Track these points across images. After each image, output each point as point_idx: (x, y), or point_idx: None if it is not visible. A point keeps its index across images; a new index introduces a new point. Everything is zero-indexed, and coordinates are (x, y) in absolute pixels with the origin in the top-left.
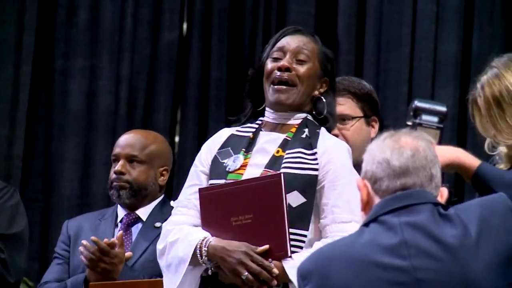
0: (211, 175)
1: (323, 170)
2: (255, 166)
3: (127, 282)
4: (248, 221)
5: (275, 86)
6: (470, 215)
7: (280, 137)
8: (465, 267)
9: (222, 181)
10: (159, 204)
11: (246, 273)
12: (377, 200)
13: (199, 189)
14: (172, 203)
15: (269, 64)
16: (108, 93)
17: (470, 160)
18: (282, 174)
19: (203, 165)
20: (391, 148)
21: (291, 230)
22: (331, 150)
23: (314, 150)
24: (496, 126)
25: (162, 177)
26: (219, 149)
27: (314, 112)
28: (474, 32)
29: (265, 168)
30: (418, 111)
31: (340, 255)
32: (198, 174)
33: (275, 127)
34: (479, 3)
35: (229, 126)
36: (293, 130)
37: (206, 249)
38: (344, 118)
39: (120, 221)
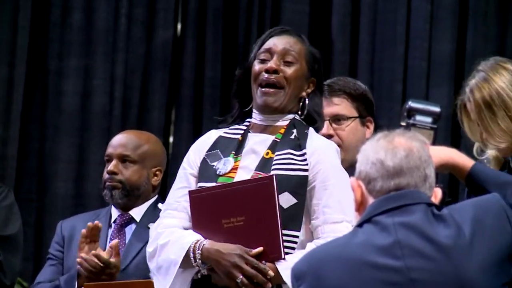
0: (200, 178)
1: (313, 171)
2: (245, 169)
3: (120, 283)
4: (240, 223)
5: (263, 89)
6: (464, 216)
7: (269, 138)
8: (459, 267)
9: (212, 184)
10: (153, 205)
11: (241, 277)
12: (371, 200)
13: (189, 191)
14: (160, 205)
15: (257, 66)
16: (102, 93)
17: (464, 160)
18: (274, 176)
19: (191, 168)
20: (385, 149)
21: (283, 232)
22: (320, 150)
23: (303, 151)
24: (488, 130)
25: (155, 177)
26: (207, 151)
27: (299, 112)
28: (468, 32)
29: (255, 170)
30: (412, 112)
31: (334, 256)
32: (187, 177)
33: (264, 129)
34: (473, 3)
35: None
36: (282, 131)
37: (200, 252)
38: (339, 119)
39: (114, 222)
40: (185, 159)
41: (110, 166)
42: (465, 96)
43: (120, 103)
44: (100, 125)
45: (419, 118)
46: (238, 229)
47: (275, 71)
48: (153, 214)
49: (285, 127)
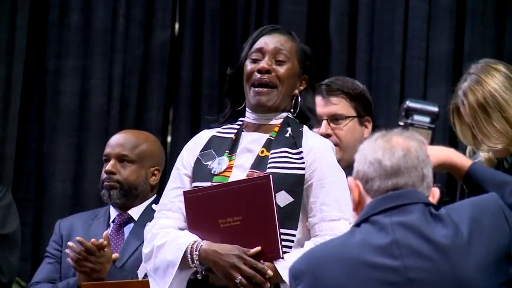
0: (195, 178)
1: (309, 169)
2: (240, 168)
3: (118, 282)
4: (237, 223)
5: (256, 89)
6: (462, 215)
7: (263, 137)
8: (456, 266)
9: (207, 184)
10: (151, 204)
11: (240, 277)
12: (368, 200)
13: (184, 192)
14: (154, 206)
15: (249, 66)
16: (100, 93)
17: (462, 160)
18: (270, 175)
19: (185, 168)
20: (383, 148)
21: (281, 230)
22: (317, 148)
23: (300, 149)
24: (483, 132)
25: (154, 177)
26: (201, 151)
27: (292, 110)
28: (466, 31)
29: (250, 169)
30: (410, 111)
31: (331, 255)
32: (181, 177)
33: (257, 128)
34: (471, 3)
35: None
36: (276, 129)
37: (197, 253)
38: (337, 118)
39: (113, 221)
40: (178, 160)
41: (108, 166)
42: (458, 100)
43: (118, 103)
44: (98, 125)
45: (417, 117)
46: (235, 229)
47: (267, 71)
48: (151, 214)
49: (279, 125)
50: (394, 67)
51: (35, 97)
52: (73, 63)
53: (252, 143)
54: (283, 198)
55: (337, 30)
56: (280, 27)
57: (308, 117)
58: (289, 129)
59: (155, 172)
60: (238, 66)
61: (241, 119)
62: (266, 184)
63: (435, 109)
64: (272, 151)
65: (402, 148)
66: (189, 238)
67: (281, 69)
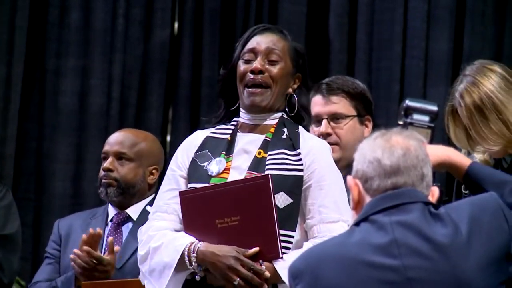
0: (191, 179)
1: (308, 170)
2: (238, 169)
3: (118, 281)
4: (235, 223)
5: (250, 89)
6: (461, 214)
7: (259, 138)
8: (456, 266)
9: (205, 185)
10: (150, 203)
11: (238, 279)
12: (368, 199)
13: (180, 192)
14: (148, 208)
15: (241, 66)
16: (100, 93)
17: (461, 159)
18: (270, 176)
19: (180, 169)
20: (382, 147)
21: (280, 232)
22: (315, 150)
23: (298, 151)
24: (480, 134)
25: (152, 176)
26: (196, 152)
27: (287, 109)
28: (466, 31)
29: (248, 170)
30: (410, 110)
31: (331, 255)
32: (176, 179)
33: (252, 128)
34: (471, 3)
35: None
36: (272, 130)
37: (195, 254)
38: (337, 117)
39: (111, 220)
40: (172, 161)
41: (106, 163)
42: (455, 101)
43: (117, 103)
44: (98, 125)
45: (416, 117)
46: (233, 229)
47: (260, 72)
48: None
49: (274, 125)
50: (393, 67)
51: (35, 97)
52: (73, 62)
53: (248, 144)
54: (282, 199)
55: (337, 30)
56: (272, 26)
57: (302, 116)
58: (285, 130)
59: (153, 171)
60: (231, 66)
61: (235, 119)
62: (265, 184)
63: (434, 108)
64: (269, 153)
65: (401, 147)
66: (186, 240)
67: (274, 69)
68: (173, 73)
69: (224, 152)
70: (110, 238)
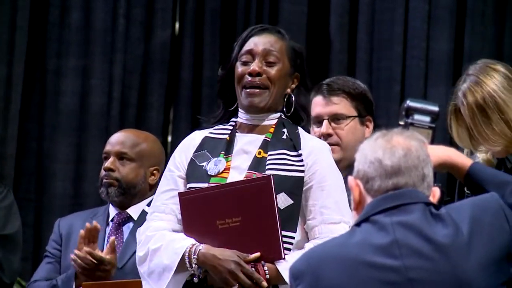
0: (190, 179)
1: (309, 171)
2: (237, 169)
3: (118, 282)
4: (236, 224)
5: (247, 90)
6: (462, 215)
7: (259, 138)
8: (457, 266)
9: (204, 185)
10: (150, 204)
11: (237, 285)
12: (369, 199)
13: (179, 193)
14: (146, 208)
15: (239, 68)
16: (100, 93)
17: (463, 159)
18: (271, 176)
19: (178, 170)
20: (383, 148)
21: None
22: (317, 151)
23: (299, 152)
24: (482, 134)
25: (153, 177)
26: (194, 152)
27: (285, 110)
28: (466, 32)
29: (248, 170)
30: (410, 111)
31: (332, 255)
32: (174, 179)
33: (251, 128)
34: (471, 3)
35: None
36: (271, 130)
37: (196, 256)
38: (338, 118)
39: (111, 220)
40: (170, 162)
41: (107, 163)
42: (458, 101)
43: (118, 103)
44: (98, 125)
45: (417, 117)
46: (234, 230)
47: (258, 74)
48: None
49: (273, 126)
50: (394, 67)
51: (36, 97)
52: (74, 62)
53: (248, 145)
54: (283, 200)
55: (338, 30)
56: (269, 27)
57: (300, 116)
58: (285, 130)
59: (155, 171)
60: (229, 67)
61: (233, 119)
62: (267, 184)
63: (435, 108)
64: (269, 153)
65: (402, 148)
66: (186, 242)
67: (272, 71)
68: (174, 73)
69: (223, 152)
70: (112, 237)
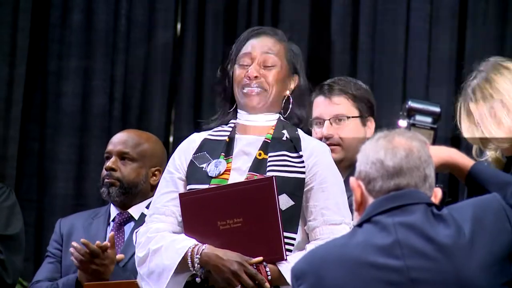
0: (191, 180)
1: (310, 173)
2: (238, 170)
3: (120, 282)
4: (237, 225)
5: (246, 91)
6: (464, 215)
7: (258, 139)
8: (459, 266)
9: (205, 187)
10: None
11: (239, 286)
12: (371, 200)
13: (180, 194)
14: (145, 211)
15: (237, 70)
16: (102, 93)
17: (464, 160)
18: (274, 177)
19: (178, 171)
20: (385, 149)
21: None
22: (317, 152)
23: (300, 153)
24: (489, 131)
25: (154, 177)
26: (194, 154)
27: (283, 111)
28: (468, 32)
29: (249, 171)
30: (412, 112)
31: (333, 256)
32: (174, 181)
33: (250, 130)
34: (473, 3)
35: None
36: (271, 132)
37: (198, 256)
38: (340, 118)
39: (113, 220)
40: (169, 163)
41: (109, 163)
42: (468, 97)
43: (120, 103)
44: (100, 126)
45: (419, 118)
46: (235, 231)
47: (255, 78)
48: None
49: (272, 127)
50: (396, 68)
51: (37, 98)
52: (75, 63)
53: (248, 146)
54: (284, 201)
55: (339, 31)
56: (267, 29)
57: (299, 117)
58: (285, 131)
59: (156, 172)
60: (228, 69)
61: (232, 121)
62: (270, 185)
63: (437, 109)
64: (270, 154)
65: (404, 149)
66: (188, 243)
67: (270, 74)
68: (176, 74)
69: (223, 154)
70: (111, 233)
